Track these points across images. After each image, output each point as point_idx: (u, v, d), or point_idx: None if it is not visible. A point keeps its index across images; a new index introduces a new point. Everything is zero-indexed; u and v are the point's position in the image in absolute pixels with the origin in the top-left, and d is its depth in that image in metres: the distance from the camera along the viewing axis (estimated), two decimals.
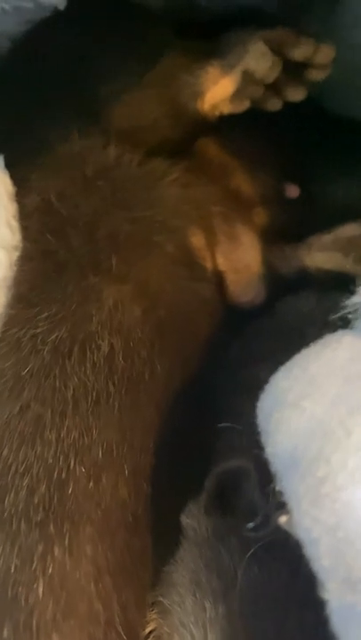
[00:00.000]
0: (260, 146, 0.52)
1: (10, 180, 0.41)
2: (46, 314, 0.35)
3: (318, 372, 0.25)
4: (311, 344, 0.28)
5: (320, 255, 0.48)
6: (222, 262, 0.45)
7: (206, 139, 0.49)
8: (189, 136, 0.47)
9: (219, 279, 0.45)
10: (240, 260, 0.46)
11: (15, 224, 0.40)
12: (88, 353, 0.34)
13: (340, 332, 0.28)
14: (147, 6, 0.47)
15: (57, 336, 0.34)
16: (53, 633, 0.29)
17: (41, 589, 0.29)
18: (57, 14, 0.42)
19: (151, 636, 0.32)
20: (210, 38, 0.46)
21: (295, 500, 0.22)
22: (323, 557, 0.20)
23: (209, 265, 0.45)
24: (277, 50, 0.43)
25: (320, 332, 0.28)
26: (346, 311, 0.28)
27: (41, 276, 0.38)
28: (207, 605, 0.30)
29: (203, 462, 0.35)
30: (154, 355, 0.36)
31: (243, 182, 0.50)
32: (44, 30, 0.43)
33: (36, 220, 0.40)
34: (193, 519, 0.34)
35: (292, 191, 0.54)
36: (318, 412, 0.23)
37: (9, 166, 0.41)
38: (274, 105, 0.46)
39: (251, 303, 0.46)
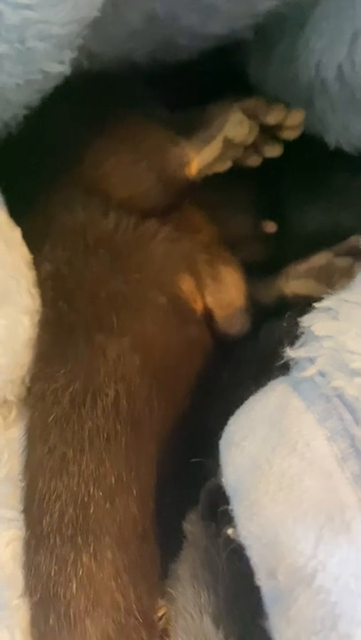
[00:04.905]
0: (238, 190, 0.60)
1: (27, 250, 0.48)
2: (63, 371, 0.43)
3: (255, 417, 0.34)
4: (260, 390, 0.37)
5: (296, 283, 0.56)
6: (210, 301, 0.53)
7: (190, 201, 0.56)
8: (178, 197, 0.55)
9: (208, 317, 0.53)
10: (225, 297, 0.54)
11: (35, 291, 0.47)
12: (98, 400, 0.42)
13: (278, 380, 0.37)
14: (133, 61, 0.53)
15: (73, 389, 0.43)
16: (86, 619, 0.38)
17: (74, 587, 0.38)
18: (62, 90, 0.47)
19: (162, 619, 0.41)
20: (195, 105, 0.53)
21: (237, 516, 0.31)
22: (254, 556, 0.29)
23: (198, 306, 0.53)
24: (253, 115, 0.50)
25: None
26: (286, 359, 0.37)
27: (56, 338, 0.45)
28: (202, 594, 0.38)
29: (198, 478, 0.43)
30: (152, 396, 0.44)
31: (224, 228, 0.58)
32: (49, 107, 0.49)
33: (49, 287, 0.47)
34: (192, 525, 0.43)
35: (270, 227, 0.61)
36: (253, 450, 0.32)
37: (25, 238, 0.48)
38: (254, 161, 0.53)
39: (238, 334, 0.54)
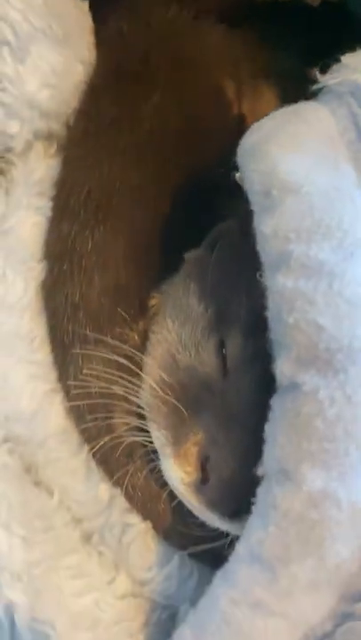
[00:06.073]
0: (289, 34, 0.63)
1: (92, 20, 0.54)
2: (109, 99, 0.49)
3: (274, 115, 0.40)
4: None
5: None
6: (246, 108, 0.58)
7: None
8: (235, 11, 0.59)
9: (241, 123, 0.58)
10: (260, 107, 0.58)
11: (92, 49, 0.53)
12: (135, 127, 0.48)
13: None
14: None
15: (113, 116, 0.49)
16: (95, 273, 0.44)
17: (90, 245, 0.44)
18: None
19: (154, 308, 0.47)
20: None
21: (243, 162, 0.37)
22: (254, 185, 0.35)
23: (235, 109, 0.58)
24: None
25: None
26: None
27: (106, 87, 0.51)
28: (191, 285, 0.45)
29: (205, 224, 0.50)
30: (175, 145, 0.50)
31: (270, 58, 0.62)
32: None
33: (108, 47, 0.53)
34: (193, 254, 0.49)
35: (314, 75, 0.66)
36: (269, 125, 0.38)
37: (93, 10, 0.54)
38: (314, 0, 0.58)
39: None
